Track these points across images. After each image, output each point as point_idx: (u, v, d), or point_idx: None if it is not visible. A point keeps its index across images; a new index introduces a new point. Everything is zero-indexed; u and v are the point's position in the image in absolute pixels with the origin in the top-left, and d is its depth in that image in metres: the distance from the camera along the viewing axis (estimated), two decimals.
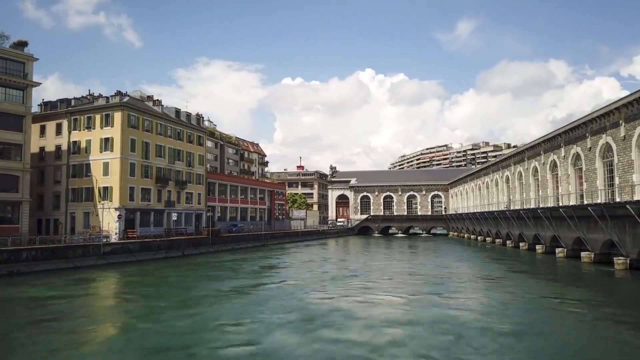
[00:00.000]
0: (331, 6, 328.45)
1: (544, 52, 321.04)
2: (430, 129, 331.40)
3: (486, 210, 71.73)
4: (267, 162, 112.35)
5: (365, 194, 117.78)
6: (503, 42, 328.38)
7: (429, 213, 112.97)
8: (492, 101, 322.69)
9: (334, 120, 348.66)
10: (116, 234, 49.83)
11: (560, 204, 44.81)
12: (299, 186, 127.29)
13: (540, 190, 53.05)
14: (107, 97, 57.07)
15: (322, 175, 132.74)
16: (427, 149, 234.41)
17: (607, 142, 37.87)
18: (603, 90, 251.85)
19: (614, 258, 34.75)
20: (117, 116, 52.91)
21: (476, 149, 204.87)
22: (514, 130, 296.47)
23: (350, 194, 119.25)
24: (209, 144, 79.41)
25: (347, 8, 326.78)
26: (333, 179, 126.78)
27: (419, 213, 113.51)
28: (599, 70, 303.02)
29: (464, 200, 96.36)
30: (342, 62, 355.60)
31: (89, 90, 60.74)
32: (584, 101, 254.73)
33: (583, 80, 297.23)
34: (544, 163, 51.57)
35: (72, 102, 58.20)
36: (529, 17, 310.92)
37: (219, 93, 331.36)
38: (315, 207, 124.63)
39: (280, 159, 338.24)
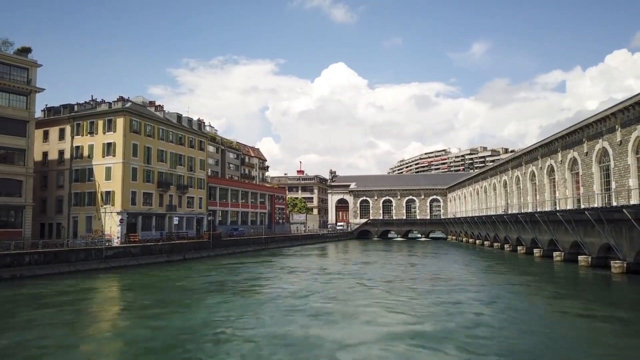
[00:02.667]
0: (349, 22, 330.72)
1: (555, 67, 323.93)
2: (433, 133, 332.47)
3: (484, 214, 72.22)
4: (268, 167, 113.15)
5: (364, 198, 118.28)
6: (514, 59, 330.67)
7: (428, 217, 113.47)
8: (498, 107, 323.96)
9: (337, 124, 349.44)
10: (118, 237, 50.20)
11: (558, 208, 45.26)
12: (299, 190, 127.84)
13: (537, 195, 53.57)
14: (110, 103, 57.65)
15: (322, 180, 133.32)
16: (425, 153, 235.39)
17: (603, 147, 38.41)
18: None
19: (611, 262, 35.08)
20: (120, 121, 53.44)
21: (474, 154, 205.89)
22: (519, 134, 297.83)
23: (349, 198, 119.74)
24: (210, 148, 80.00)
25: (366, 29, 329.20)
26: (333, 184, 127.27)
27: (418, 217, 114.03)
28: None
29: (463, 204, 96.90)
30: (341, 66, 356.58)
31: (92, 96, 61.39)
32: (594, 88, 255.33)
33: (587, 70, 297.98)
34: (541, 168, 52.14)
35: (75, 108, 58.77)
36: (541, 36, 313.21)
37: (221, 93, 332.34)
38: (315, 211, 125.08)
39: (280, 163, 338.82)
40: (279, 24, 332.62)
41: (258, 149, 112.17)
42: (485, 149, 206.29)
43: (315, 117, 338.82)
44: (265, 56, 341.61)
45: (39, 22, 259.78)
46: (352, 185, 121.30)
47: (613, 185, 36.64)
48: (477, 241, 79.21)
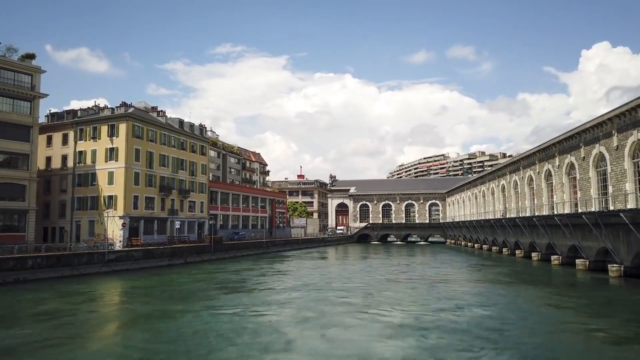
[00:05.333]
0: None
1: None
2: (434, 137, 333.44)
3: (483, 218, 72.71)
4: (268, 171, 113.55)
5: (364, 202, 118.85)
6: (521, 75, 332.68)
7: (427, 221, 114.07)
8: (502, 114, 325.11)
9: (339, 127, 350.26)
10: (120, 241, 50.56)
11: (555, 212, 45.79)
12: (300, 195, 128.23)
13: (535, 199, 54.08)
14: (112, 108, 58.17)
15: (322, 184, 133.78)
16: (424, 158, 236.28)
17: (600, 152, 38.94)
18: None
19: (609, 265, 35.57)
20: (122, 127, 53.96)
21: (473, 158, 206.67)
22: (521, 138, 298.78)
23: (349, 203, 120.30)
24: (212, 153, 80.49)
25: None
26: (333, 188, 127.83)
27: (417, 221, 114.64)
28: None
29: (461, 208, 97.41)
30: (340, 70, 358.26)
31: (95, 101, 61.88)
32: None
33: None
34: (538, 172, 52.70)
35: (78, 113, 59.29)
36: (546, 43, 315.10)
37: (223, 92, 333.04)
38: (315, 215, 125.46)
39: (281, 167, 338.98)
40: (287, 21, 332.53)
41: (259, 154, 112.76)
42: (483, 153, 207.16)
43: (317, 119, 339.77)
44: (272, 53, 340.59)
45: (39, 25, 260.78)
46: (352, 190, 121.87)
47: (610, 189, 37.14)
48: (476, 245, 79.68)
